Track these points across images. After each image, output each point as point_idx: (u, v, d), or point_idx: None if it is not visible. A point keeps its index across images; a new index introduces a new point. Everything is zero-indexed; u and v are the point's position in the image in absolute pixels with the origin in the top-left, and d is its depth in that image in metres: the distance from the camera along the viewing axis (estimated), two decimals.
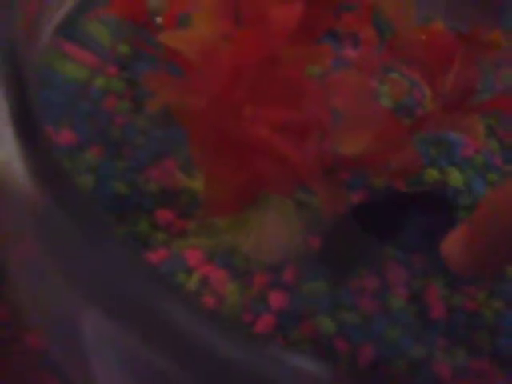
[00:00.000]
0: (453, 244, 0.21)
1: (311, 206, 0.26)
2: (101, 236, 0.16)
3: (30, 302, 0.21)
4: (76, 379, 0.20)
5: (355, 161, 0.23)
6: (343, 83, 0.24)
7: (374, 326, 0.24)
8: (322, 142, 0.22)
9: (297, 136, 0.21)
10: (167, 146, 0.28)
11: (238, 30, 0.19)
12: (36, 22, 0.24)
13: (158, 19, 0.25)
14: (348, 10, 0.26)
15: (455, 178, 0.28)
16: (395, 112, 0.29)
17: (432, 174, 0.28)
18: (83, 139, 0.28)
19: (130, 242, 0.20)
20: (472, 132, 0.24)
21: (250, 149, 0.20)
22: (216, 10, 0.21)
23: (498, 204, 0.20)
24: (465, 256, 0.21)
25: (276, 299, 0.25)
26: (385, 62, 0.27)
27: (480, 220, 0.21)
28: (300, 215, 0.25)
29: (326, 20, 0.27)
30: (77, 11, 0.27)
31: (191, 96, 0.20)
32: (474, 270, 0.22)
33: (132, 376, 0.17)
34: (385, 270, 0.25)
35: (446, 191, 0.27)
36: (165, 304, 0.15)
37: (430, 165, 0.28)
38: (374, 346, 0.24)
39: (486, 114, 0.29)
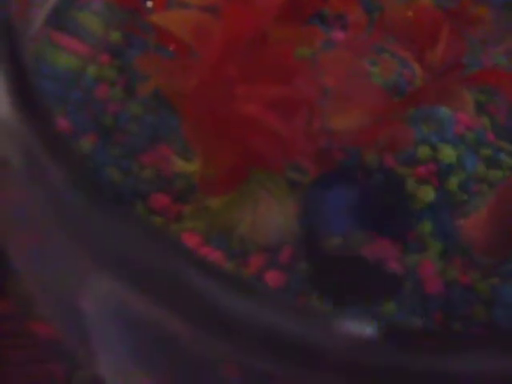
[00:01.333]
0: (473, 226, 0.21)
1: (303, 185, 0.26)
2: (103, 202, 0.16)
3: (32, 281, 0.21)
4: (82, 359, 0.20)
5: (346, 138, 0.23)
6: (333, 61, 0.24)
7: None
8: (313, 119, 0.22)
9: (287, 113, 0.21)
10: (161, 132, 0.28)
11: (226, 5, 0.19)
12: (25, 11, 0.24)
13: (149, 3, 0.26)
14: None
15: (447, 154, 0.28)
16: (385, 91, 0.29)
17: (424, 150, 0.28)
18: (77, 127, 0.28)
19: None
20: (462, 106, 0.24)
21: (242, 126, 0.20)
22: None
23: None
24: (484, 237, 0.21)
25: (272, 279, 0.25)
26: (374, 43, 0.27)
27: (499, 203, 0.21)
28: (293, 194, 0.25)
29: (313, 2, 0.27)
30: (65, 0, 0.27)
31: (182, 76, 0.21)
32: (491, 252, 0.22)
33: (137, 351, 0.17)
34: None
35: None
36: (178, 265, 0.15)
37: (421, 141, 0.28)
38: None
39: (476, 89, 0.29)
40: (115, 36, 0.29)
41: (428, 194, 0.27)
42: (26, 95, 0.17)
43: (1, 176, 0.18)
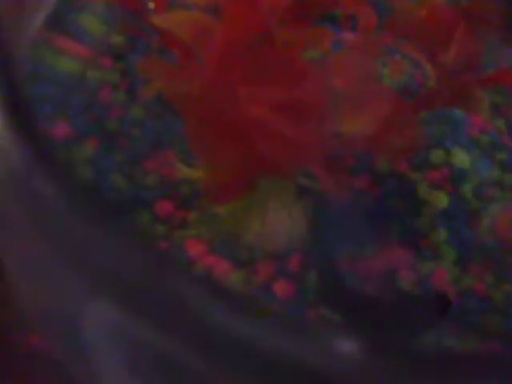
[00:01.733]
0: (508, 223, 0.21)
1: (314, 191, 0.25)
2: (104, 223, 0.16)
3: (30, 299, 0.20)
4: (80, 378, 0.20)
5: (357, 142, 0.22)
6: (343, 63, 0.24)
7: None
8: (323, 123, 0.22)
9: (296, 116, 0.20)
10: (165, 137, 0.27)
11: (229, 6, 0.18)
12: (22, 15, 0.24)
13: (151, 4, 0.25)
14: None
15: (461, 159, 0.28)
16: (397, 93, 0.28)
17: (438, 154, 0.27)
18: (79, 132, 0.27)
19: (133, 228, 0.19)
20: (476, 108, 0.23)
21: (248, 131, 0.19)
22: None
23: None
24: None
25: (281, 288, 0.24)
26: (385, 44, 0.26)
27: None
28: (302, 201, 0.24)
29: (323, 2, 0.26)
30: (65, 2, 0.26)
31: (185, 79, 0.20)
32: None
33: (137, 368, 0.17)
34: None
35: None
36: (177, 288, 0.14)
37: (435, 145, 0.27)
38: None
39: (492, 90, 0.28)
40: (117, 39, 0.29)
41: (442, 200, 0.26)
42: (17, 115, 0.17)
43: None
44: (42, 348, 0.26)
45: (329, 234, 0.26)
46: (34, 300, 0.19)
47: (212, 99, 0.19)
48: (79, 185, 0.15)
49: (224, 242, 0.25)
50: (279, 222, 0.24)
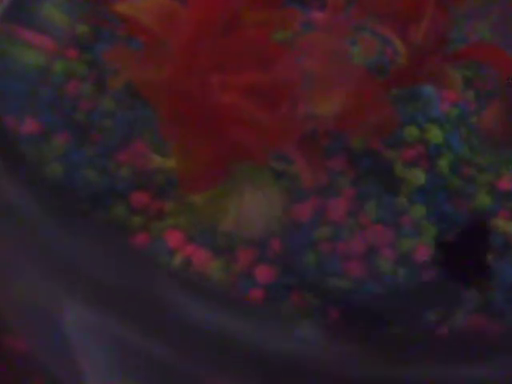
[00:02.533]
0: (489, 116, 0.21)
1: (289, 175, 0.25)
2: (76, 221, 0.15)
3: (7, 301, 0.20)
4: (63, 377, 0.20)
5: (331, 122, 0.22)
6: (313, 44, 0.23)
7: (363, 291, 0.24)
8: (295, 105, 0.21)
9: (268, 100, 0.20)
10: (136, 127, 0.27)
11: None
12: None
13: None
14: None
15: (434, 134, 0.28)
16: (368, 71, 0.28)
17: (411, 131, 0.27)
18: (48, 127, 0.27)
19: (107, 226, 0.19)
20: (448, 83, 0.23)
21: (220, 117, 0.19)
22: None
23: None
24: (498, 124, 0.20)
25: (262, 274, 0.24)
26: (354, 22, 0.26)
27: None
28: (278, 185, 0.24)
29: None
30: None
31: (154, 67, 0.19)
32: (506, 137, 0.21)
33: (120, 365, 0.16)
34: None
35: None
36: (153, 286, 0.14)
37: (408, 122, 0.27)
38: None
39: (462, 64, 0.28)
40: (82, 29, 0.28)
41: (419, 177, 0.26)
42: None
43: None
44: (20, 348, 0.25)
45: (306, 216, 0.25)
46: (10, 300, 0.19)
47: (182, 86, 0.19)
48: (49, 182, 0.15)
49: (202, 231, 0.25)
50: (256, 208, 0.24)
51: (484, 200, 0.26)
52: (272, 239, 0.25)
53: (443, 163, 0.27)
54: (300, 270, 0.24)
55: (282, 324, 0.14)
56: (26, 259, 0.16)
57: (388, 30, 0.25)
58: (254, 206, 0.24)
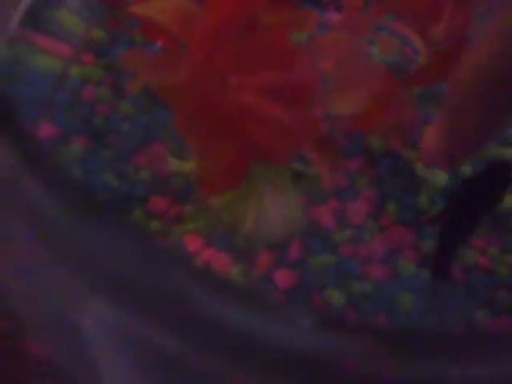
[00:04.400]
0: (430, 137, 0.20)
1: (308, 177, 0.24)
2: (96, 220, 0.15)
3: (28, 304, 0.20)
4: (82, 379, 0.19)
5: (350, 122, 0.22)
6: (330, 44, 0.23)
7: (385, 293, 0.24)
8: (315, 106, 0.21)
9: (286, 101, 0.19)
10: (154, 131, 0.27)
11: None
12: None
13: None
14: None
15: None
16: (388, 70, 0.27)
17: None
18: (65, 131, 0.26)
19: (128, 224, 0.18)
20: None
21: (239, 118, 0.19)
22: None
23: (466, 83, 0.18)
24: (439, 143, 0.20)
25: (282, 278, 0.24)
26: (372, 21, 0.26)
27: (450, 103, 0.20)
28: (298, 186, 0.24)
29: None
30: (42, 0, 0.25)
31: (171, 69, 0.19)
32: (447, 157, 0.20)
33: (140, 365, 0.16)
34: None
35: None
36: (177, 284, 0.14)
37: (428, 122, 0.27)
38: (386, 315, 0.23)
39: None
40: (98, 34, 0.28)
41: (440, 177, 0.26)
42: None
43: None
44: (42, 354, 0.25)
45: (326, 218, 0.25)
46: (31, 303, 0.18)
47: (200, 88, 0.19)
48: (69, 184, 0.15)
49: (222, 235, 0.25)
50: (275, 210, 0.24)
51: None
52: (292, 242, 0.24)
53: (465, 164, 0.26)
54: (320, 273, 0.24)
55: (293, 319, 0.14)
56: (46, 260, 0.16)
57: (408, 29, 0.24)
58: (273, 208, 0.24)
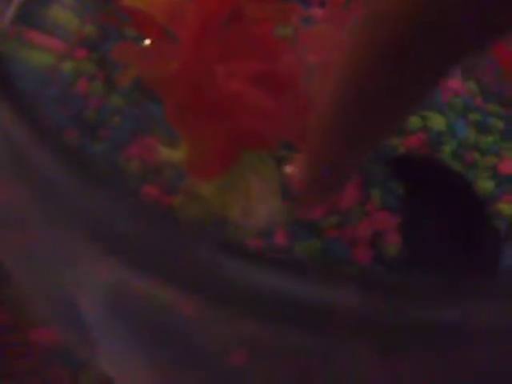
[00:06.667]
0: (295, 168, 0.19)
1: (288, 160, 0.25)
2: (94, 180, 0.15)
3: (26, 279, 0.20)
4: (85, 356, 0.20)
5: None
6: (315, 37, 0.24)
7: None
8: (299, 95, 0.22)
9: (273, 89, 0.20)
10: (145, 123, 0.27)
11: None
12: None
13: None
14: None
15: (437, 122, 0.28)
16: None
17: (414, 121, 0.28)
18: (58, 125, 0.27)
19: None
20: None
21: (227, 105, 0.19)
22: None
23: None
24: (306, 172, 0.18)
25: None
26: (357, 16, 0.27)
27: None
28: (280, 172, 0.25)
29: None
30: None
31: (161, 61, 0.20)
32: (317, 189, 0.19)
33: (142, 338, 0.16)
34: None
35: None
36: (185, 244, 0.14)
37: None
38: None
39: None
40: (90, 29, 0.29)
41: None
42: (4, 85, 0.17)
43: None
44: (42, 342, 0.26)
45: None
46: (29, 282, 0.19)
47: (190, 77, 0.19)
48: (67, 148, 0.15)
49: (212, 223, 0.25)
50: (262, 198, 0.25)
51: (486, 185, 0.27)
52: (278, 229, 0.25)
53: (446, 150, 0.27)
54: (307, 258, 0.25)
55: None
56: (46, 236, 0.16)
57: None
58: (260, 196, 0.24)
